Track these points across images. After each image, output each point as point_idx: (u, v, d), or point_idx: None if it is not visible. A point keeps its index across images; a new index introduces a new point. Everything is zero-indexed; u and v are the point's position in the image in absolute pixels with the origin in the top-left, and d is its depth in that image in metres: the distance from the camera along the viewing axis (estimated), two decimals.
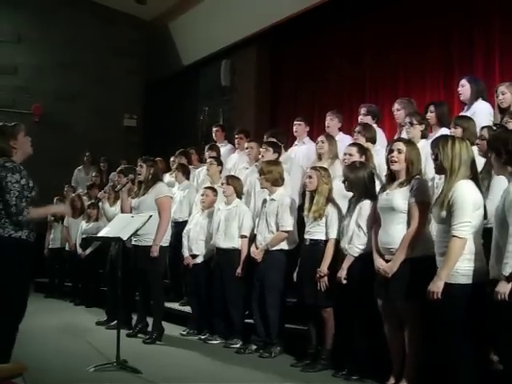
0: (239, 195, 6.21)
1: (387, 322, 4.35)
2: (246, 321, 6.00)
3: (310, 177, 5.16)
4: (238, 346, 5.83)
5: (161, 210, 6.16)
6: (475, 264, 3.63)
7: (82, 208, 9.01)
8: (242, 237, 5.98)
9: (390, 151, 4.34)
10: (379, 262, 4.30)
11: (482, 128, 4.57)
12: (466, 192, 3.66)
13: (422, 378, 4.19)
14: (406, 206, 4.17)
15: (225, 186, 6.18)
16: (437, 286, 3.62)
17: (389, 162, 4.34)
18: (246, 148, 6.93)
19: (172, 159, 8.21)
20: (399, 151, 4.27)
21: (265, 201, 5.78)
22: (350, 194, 4.97)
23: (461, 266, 3.62)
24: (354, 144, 5.46)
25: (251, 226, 5.99)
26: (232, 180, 6.22)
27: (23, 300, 4.31)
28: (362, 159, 5.13)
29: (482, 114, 5.16)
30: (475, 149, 4.39)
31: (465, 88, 5.53)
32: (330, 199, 5.13)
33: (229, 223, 6.04)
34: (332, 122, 6.71)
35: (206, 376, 4.95)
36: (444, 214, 3.68)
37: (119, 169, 7.04)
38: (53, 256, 9.88)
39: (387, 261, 4.24)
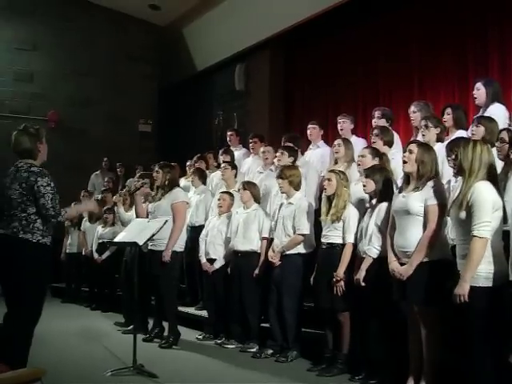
0: (257, 200, 6.23)
1: (410, 325, 4.32)
2: (262, 325, 6.00)
3: (329, 180, 5.16)
4: (254, 350, 5.82)
5: (175, 216, 6.16)
6: (496, 267, 3.59)
7: (100, 213, 9.05)
8: (263, 239, 6.00)
9: (404, 152, 4.35)
10: (394, 265, 4.27)
11: (501, 131, 4.54)
12: (484, 192, 3.63)
13: (440, 381, 4.15)
14: (421, 209, 4.15)
15: (241, 191, 6.20)
16: (463, 289, 3.57)
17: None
18: (263, 152, 6.93)
19: (188, 163, 8.23)
20: (410, 152, 4.27)
21: (281, 205, 5.78)
22: (365, 198, 4.97)
23: (482, 269, 3.58)
24: (367, 147, 5.47)
25: (270, 228, 6.00)
26: (248, 185, 6.24)
27: (41, 305, 4.35)
28: (375, 161, 5.13)
29: (498, 116, 5.10)
30: (494, 151, 4.36)
31: (480, 91, 5.48)
32: (348, 203, 5.14)
33: (247, 226, 6.06)
34: (345, 124, 6.74)
35: (222, 380, 4.96)
36: (463, 215, 3.65)
37: (139, 174, 7.09)
38: (69, 261, 9.92)
39: (403, 264, 4.22)
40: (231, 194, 6.60)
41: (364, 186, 4.83)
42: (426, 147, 4.38)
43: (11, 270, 4.21)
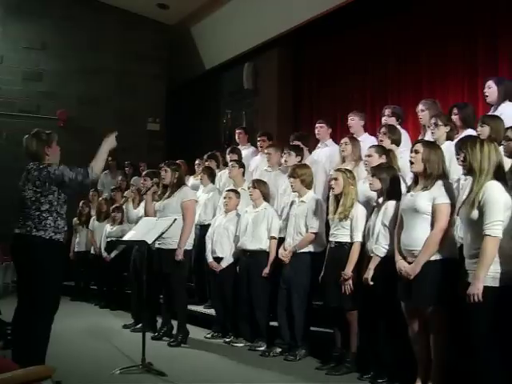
0: (266, 198, 6.23)
1: (411, 325, 4.31)
2: (271, 323, 6.00)
3: (336, 179, 5.15)
4: (262, 348, 5.83)
5: (185, 214, 6.20)
6: (504, 266, 3.58)
7: (108, 212, 9.08)
8: (272, 238, 6.00)
9: (411, 152, 4.34)
10: (401, 264, 4.26)
11: (507, 129, 4.52)
12: (496, 191, 3.63)
13: (448, 382, 4.14)
14: (429, 208, 4.13)
15: (251, 189, 6.20)
16: (477, 288, 3.55)
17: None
18: (267, 153, 6.92)
19: (197, 162, 8.22)
20: (416, 152, 4.26)
21: (293, 203, 5.77)
22: (373, 196, 4.96)
23: (491, 269, 3.57)
24: (373, 145, 5.46)
25: (279, 227, 5.99)
26: (258, 184, 6.24)
27: (57, 301, 4.52)
28: (382, 160, 5.11)
29: (508, 115, 5.06)
30: (501, 150, 4.34)
31: (491, 90, 5.42)
32: (356, 201, 5.13)
33: (256, 225, 6.06)
34: (353, 121, 6.70)
35: (231, 379, 4.96)
36: (475, 214, 3.64)
37: (145, 173, 7.11)
38: (78, 259, 9.94)
39: (410, 263, 4.20)
40: (237, 192, 6.61)
41: (370, 184, 4.82)
42: (431, 146, 4.35)
43: (27, 267, 4.40)
